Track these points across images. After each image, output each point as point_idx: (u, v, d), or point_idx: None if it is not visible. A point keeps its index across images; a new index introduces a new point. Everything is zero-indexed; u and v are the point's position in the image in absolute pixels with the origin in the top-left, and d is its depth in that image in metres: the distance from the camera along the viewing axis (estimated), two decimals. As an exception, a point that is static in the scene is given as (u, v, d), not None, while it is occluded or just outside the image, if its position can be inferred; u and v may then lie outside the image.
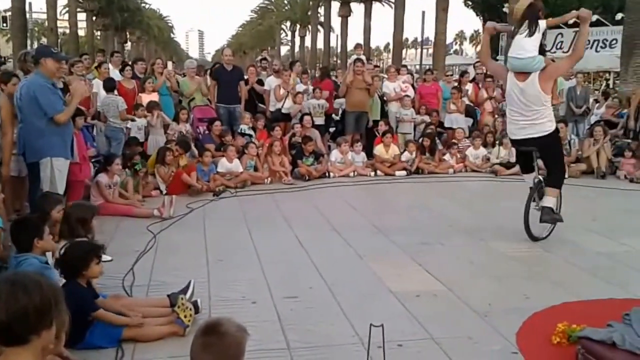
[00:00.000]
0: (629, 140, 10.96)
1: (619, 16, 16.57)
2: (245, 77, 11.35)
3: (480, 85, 12.25)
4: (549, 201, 5.66)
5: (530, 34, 5.31)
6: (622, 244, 5.94)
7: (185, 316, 3.73)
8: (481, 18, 34.97)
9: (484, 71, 13.21)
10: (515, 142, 5.79)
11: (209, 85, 10.95)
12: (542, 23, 5.35)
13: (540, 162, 5.91)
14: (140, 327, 3.65)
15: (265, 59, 13.51)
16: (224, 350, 2.07)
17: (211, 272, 4.92)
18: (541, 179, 5.87)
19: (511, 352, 3.51)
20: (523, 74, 5.37)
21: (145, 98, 9.40)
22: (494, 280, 4.81)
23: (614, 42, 19.64)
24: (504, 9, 24.14)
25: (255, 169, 9.22)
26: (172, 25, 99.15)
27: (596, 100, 13.62)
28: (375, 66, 14.42)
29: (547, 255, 5.54)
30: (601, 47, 21.75)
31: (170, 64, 14.10)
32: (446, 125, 11.52)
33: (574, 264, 5.30)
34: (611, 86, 18.80)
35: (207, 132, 9.87)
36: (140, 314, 3.73)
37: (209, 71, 11.83)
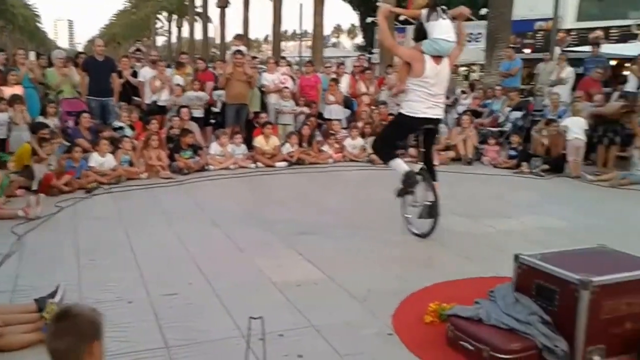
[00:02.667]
0: (492, 129, 11.74)
1: (483, 11, 17.60)
2: (119, 68, 10.89)
3: (357, 78, 12.58)
4: (434, 196, 5.73)
5: (451, 19, 5.53)
6: (487, 225, 6.35)
7: (53, 322, 3.50)
8: (357, 12, 35.88)
9: (361, 64, 13.60)
10: (419, 121, 5.63)
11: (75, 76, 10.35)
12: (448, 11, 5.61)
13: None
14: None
15: (139, 49, 13.02)
16: (79, 332, 1.96)
17: (83, 273, 4.66)
18: (423, 168, 5.81)
19: (387, 333, 3.64)
20: (439, 58, 5.50)
21: (7, 91, 8.73)
22: (372, 266, 4.96)
23: (479, 35, 20.91)
24: (379, 3, 24.92)
25: (131, 164, 8.87)
26: (39, 14, 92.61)
27: (463, 91, 14.40)
28: (254, 57, 14.32)
29: (419, 239, 5.77)
30: (467, 40, 23.06)
31: (32, 54, 13.14)
32: (325, 116, 11.73)
33: (444, 247, 5.59)
34: (477, 78, 19.96)
35: (76, 126, 9.35)
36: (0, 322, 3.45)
37: (73, 62, 11.16)
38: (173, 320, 3.78)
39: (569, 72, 12.26)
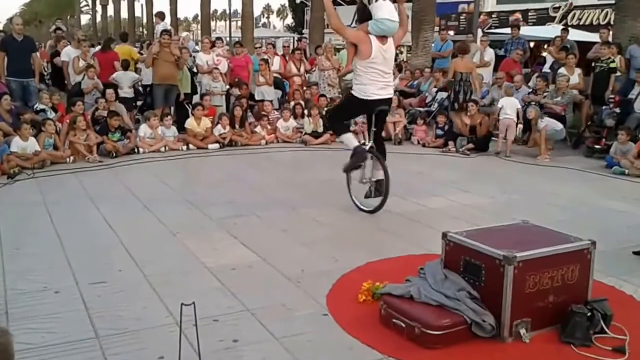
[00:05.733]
0: (420, 109, 11.98)
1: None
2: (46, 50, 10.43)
3: (287, 59, 12.53)
4: (382, 174, 5.87)
5: (391, 1, 5.64)
6: (416, 203, 6.50)
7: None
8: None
9: (290, 45, 13.55)
10: (373, 102, 5.73)
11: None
12: None
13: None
14: None
15: (59, 28, 12.46)
16: None
17: (6, 262, 4.47)
18: (373, 147, 5.93)
19: (322, 314, 3.68)
20: (384, 38, 5.62)
21: None
22: (305, 247, 4.99)
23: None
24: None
25: (55, 148, 8.52)
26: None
27: (391, 72, 14.58)
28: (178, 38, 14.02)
29: (352, 219, 5.87)
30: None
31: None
32: (257, 97, 11.64)
33: (375, 225, 5.69)
34: (405, 59, 20.27)
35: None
36: None
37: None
38: (103, 309, 3.68)
39: (490, 54, 12.61)
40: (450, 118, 10.52)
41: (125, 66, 10.99)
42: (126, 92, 10.75)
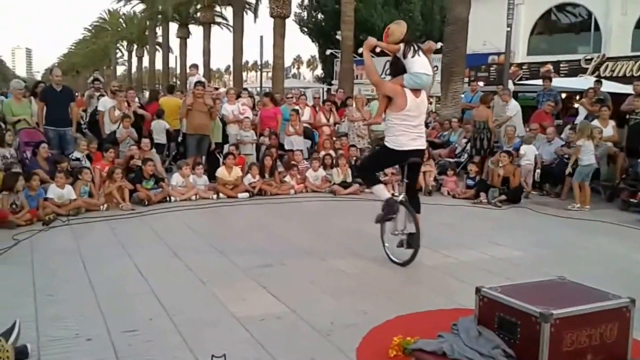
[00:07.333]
0: (450, 160, 11.95)
1: (438, 45, 18.07)
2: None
3: (317, 109, 12.71)
4: (416, 227, 5.83)
5: (424, 55, 5.78)
6: (446, 255, 6.42)
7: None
8: (317, 44, 36.32)
9: (319, 96, 13.76)
10: (405, 153, 5.79)
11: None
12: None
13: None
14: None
15: (97, 79, 12.91)
16: None
17: (39, 309, 4.52)
18: (405, 199, 5.95)
19: (352, 368, 3.63)
20: (418, 91, 5.73)
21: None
22: (334, 298, 4.95)
23: (435, 69, 21.21)
24: (337, 36, 25.32)
25: (90, 195, 8.70)
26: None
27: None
28: (216, 88, 14.41)
29: (380, 271, 5.82)
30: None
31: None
32: (286, 147, 11.78)
33: (405, 277, 5.63)
34: (434, 110, 20.39)
35: (34, 157, 9.15)
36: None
37: (32, 92, 11.00)
38: (133, 359, 3.68)
39: (513, 108, 12.24)
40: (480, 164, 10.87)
41: (159, 115, 11.43)
42: (158, 139, 11.21)
